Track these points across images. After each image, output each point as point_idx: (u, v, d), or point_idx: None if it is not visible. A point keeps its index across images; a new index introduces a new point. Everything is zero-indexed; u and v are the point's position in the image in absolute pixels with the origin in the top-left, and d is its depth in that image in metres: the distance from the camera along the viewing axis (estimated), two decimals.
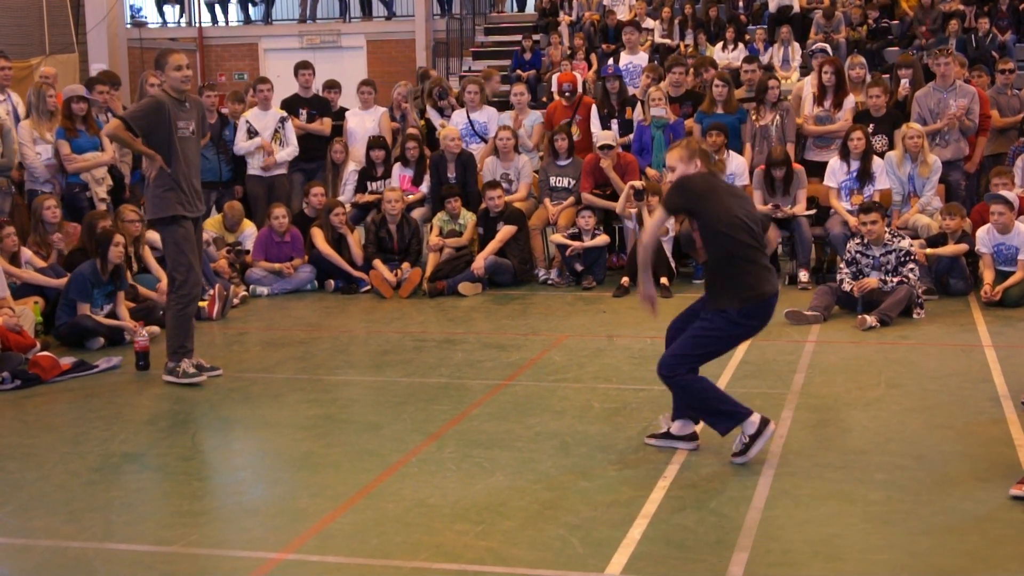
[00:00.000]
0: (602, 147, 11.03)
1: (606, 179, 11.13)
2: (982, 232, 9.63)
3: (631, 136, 11.67)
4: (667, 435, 5.86)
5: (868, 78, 11.72)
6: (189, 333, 7.53)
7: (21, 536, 4.83)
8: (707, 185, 5.60)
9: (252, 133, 11.76)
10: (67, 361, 7.82)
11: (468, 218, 11.08)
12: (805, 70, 12.17)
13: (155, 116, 7.39)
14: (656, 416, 6.30)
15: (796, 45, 17.19)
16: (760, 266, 5.54)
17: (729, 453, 5.59)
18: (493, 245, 10.80)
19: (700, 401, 5.60)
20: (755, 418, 5.53)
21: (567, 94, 11.97)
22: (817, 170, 11.00)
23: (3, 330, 7.89)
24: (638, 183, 10.69)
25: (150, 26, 25.48)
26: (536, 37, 20.20)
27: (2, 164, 10.03)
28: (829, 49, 12.43)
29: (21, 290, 8.96)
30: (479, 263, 10.67)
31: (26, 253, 9.27)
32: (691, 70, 12.63)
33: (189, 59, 7.72)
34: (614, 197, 11.02)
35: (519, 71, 19.11)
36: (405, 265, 10.73)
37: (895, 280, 8.97)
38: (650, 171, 11.27)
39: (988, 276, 9.47)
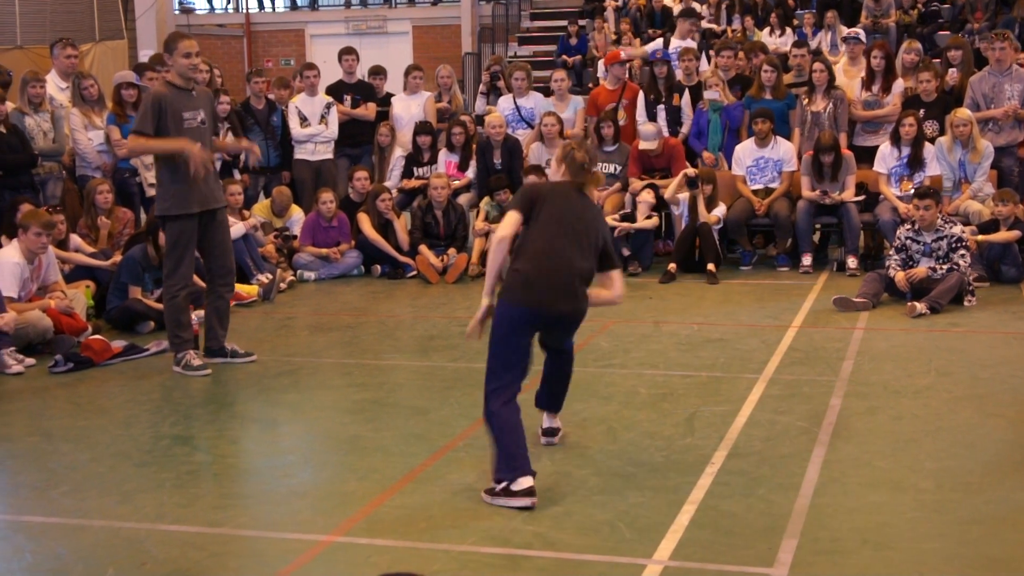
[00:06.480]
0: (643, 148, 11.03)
1: (653, 165, 11.09)
2: None
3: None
4: None
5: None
6: (181, 323, 7.44)
7: (76, 516, 4.90)
8: (551, 193, 5.22)
9: (303, 119, 11.84)
10: (118, 344, 7.91)
11: None
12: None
13: (157, 112, 7.14)
14: (700, 404, 6.30)
15: (844, 29, 16.99)
16: (533, 274, 5.06)
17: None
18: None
19: (496, 435, 5.03)
20: (527, 481, 4.85)
21: (620, 65, 12.00)
22: (865, 155, 10.87)
23: (56, 313, 8.01)
24: (691, 171, 10.67)
25: (198, 12, 25.67)
26: (582, 22, 20.15)
27: (54, 149, 10.16)
28: (863, 36, 12.27)
29: (73, 274, 9.08)
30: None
31: (75, 240, 9.36)
32: (741, 53, 12.53)
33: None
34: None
35: (564, 56, 19.07)
36: (451, 250, 10.76)
37: (945, 267, 8.87)
38: (706, 154, 11.24)
39: None
